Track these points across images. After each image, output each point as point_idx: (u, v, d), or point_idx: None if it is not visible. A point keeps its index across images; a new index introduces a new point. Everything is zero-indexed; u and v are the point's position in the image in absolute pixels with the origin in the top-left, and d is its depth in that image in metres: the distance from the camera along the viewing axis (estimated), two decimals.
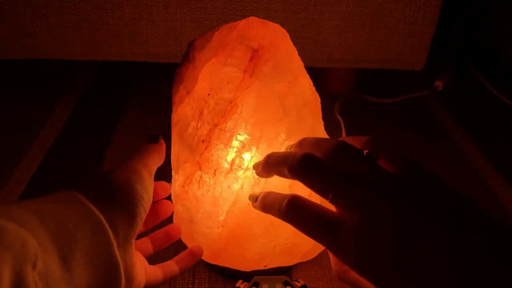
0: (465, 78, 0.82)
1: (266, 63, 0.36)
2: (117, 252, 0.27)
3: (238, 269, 0.39)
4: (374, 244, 0.24)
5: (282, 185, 0.36)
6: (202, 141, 0.36)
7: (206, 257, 0.39)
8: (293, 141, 0.36)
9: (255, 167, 0.33)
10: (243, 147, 0.35)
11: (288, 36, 0.38)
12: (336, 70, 0.81)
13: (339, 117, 0.66)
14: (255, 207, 0.31)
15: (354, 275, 0.28)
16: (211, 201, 0.36)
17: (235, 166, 0.35)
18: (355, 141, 0.29)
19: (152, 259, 0.35)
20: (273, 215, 0.29)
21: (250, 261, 0.38)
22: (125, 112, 0.68)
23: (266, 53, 0.36)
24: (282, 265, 0.39)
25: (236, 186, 0.36)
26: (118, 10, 0.72)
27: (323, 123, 0.39)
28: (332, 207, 0.27)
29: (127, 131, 0.63)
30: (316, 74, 0.42)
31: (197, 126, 0.37)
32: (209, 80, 0.37)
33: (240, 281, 0.37)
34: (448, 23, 0.84)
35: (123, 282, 0.27)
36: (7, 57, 0.77)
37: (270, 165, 0.30)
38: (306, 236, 0.39)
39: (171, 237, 0.38)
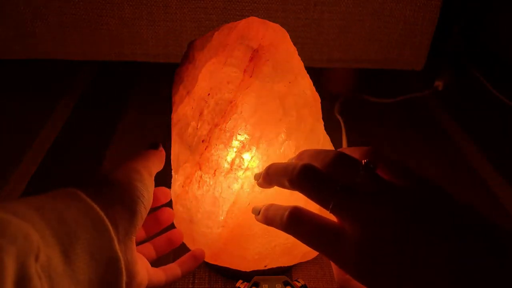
0: (465, 78, 0.82)
1: (266, 63, 0.36)
2: (117, 247, 0.27)
3: (238, 269, 0.39)
4: (374, 254, 0.24)
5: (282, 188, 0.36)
6: (202, 141, 0.36)
7: (206, 257, 0.39)
8: (293, 141, 0.36)
9: (256, 178, 0.33)
10: (243, 147, 0.35)
11: (288, 36, 0.38)
12: (336, 70, 0.81)
13: (339, 117, 0.66)
14: (258, 220, 0.31)
15: (356, 284, 0.28)
16: (211, 201, 0.36)
17: (235, 166, 0.35)
18: (354, 152, 0.29)
19: (153, 262, 0.36)
20: (276, 227, 0.29)
21: (250, 261, 0.38)
22: (125, 112, 0.68)
23: (266, 53, 0.36)
24: (282, 265, 0.39)
25: (236, 186, 0.36)
26: (118, 10, 0.72)
27: (323, 123, 0.39)
28: (333, 217, 0.27)
29: (127, 131, 0.63)
30: (316, 74, 0.42)
31: (197, 126, 0.37)
32: (209, 80, 0.37)
33: (240, 281, 0.37)
34: (448, 23, 0.84)
35: (124, 277, 0.28)
36: (7, 57, 0.76)
37: (271, 176, 0.31)
38: None
39: (174, 242, 0.38)
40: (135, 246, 0.30)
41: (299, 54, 0.38)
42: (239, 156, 0.35)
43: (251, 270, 0.39)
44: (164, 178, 0.43)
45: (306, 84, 0.38)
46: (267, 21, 0.37)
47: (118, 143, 0.60)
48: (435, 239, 0.23)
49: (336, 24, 0.74)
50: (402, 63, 0.80)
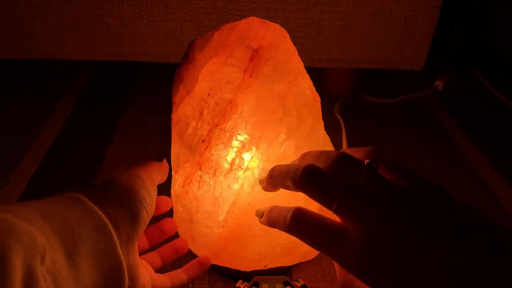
0: (465, 78, 0.82)
1: (266, 63, 0.36)
2: (120, 251, 0.27)
3: (238, 269, 0.39)
4: (376, 254, 0.24)
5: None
6: (202, 141, 0.36)
7: None
8: (293, 141, 0.36)
9: (261, 182, 0.33)
10: (243, 147, 0.35)
11: (288, 36, 0.38)
12: (336, 70, 0.81)
13: (339, 117, 0.66)
14: (261, 223, 0.31)
15: (358, 283, 0.28)
16: (211, 201, 0.36)
17: (235, 166, 0.35)
18: (356, 152, 0.29)
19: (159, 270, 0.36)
20: (279, 229, 0.29)
21: (250, 261, 0.38)
22: (125, 112, 0.68)
23: (266, 53, 0.36)
24: (282, 265, 0.39)
25: (236, 186, 0.36)
26: (118, 10, 0.72)
27: (323, 123, 0.39)
28: (335, 217, 0.27)
29: (127, 131, 0.63)
30: (316, 74, 0.42)
31: (197, 126, 0.37)
32: (209, 80, 0.37)
33: (240, 281, 0.37)
34: (448, 23, 0.84)
35: (126, 280, 0.28)
36: (7, 57, 0.76)
37: (274, 178, 0.31)
38: None
39: (179, 251, 0.38)
40: (137, 250, 0.30)
41: (299, 54, 0.38)
42: (239, 156, 0.35)
43: (251, 270, 0.39)
44: None
45: (306, 84, 0.38)
46: (267, 21, 0.37)
47: (118, 143, 0.60)
48: (435, 239, 0.23)
49: (336, 24, 0.74)
50: (402, 63, 0.80)
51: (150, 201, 0.32)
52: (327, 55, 0.78)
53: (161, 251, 0.38)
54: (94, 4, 0.71)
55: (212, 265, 0.39)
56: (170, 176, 0.40)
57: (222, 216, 0.36)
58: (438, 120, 0.69)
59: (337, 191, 0.26)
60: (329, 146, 0.39)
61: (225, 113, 0.35)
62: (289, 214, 0.28)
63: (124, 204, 0.30)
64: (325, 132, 0.39)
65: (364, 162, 0.27)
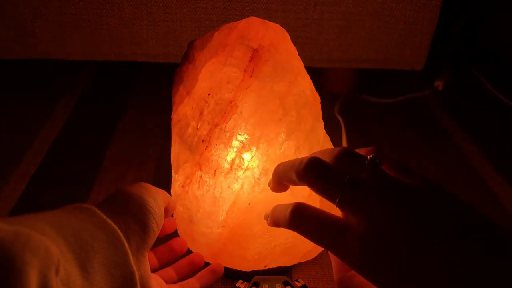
0: (465, 78, 0.82)
1: (266, 63, 0.36)
2: (132, 262, 0.28)
3: (238, 269, 0.39)
4: (377, 249, 0.24)
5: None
6: (202, 141, 0.36)
7: (206, 257, 0.39)
8: (293, 141, 0.36)
9: (269, 184, 0.33)
10: (243, 147, 0.35)
11: (288, 36, 0.38)
12: (336, 70, 0.81)
13: (339, 117, 0.66)
14: (268, 225, 0.31)
15: (355, 282, 0.28)
16: (211, 201, 0.36)
17: (235, 166, 0.35)
18: (359, 151, 0.29)
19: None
20: (282, 226, 0.29)
21: (250, 261, 0.38)
22: (125, 112, 0.68)
23: (266, 53, 0.36)
24: (282, 265, 0.39)
25: (236, 186, 0.36)
26: (118, 10, 0.72)
27: (323, 123, 0.39)
28: (337, 212, 0.27)
29: (127, 131, 0.63)
30: (316, 74, 0.42)
31: (197, 126, 0.37)
32: (209, 80, 0.37)
33: (240, 281, 0.37)
34: (448, 23, 0.84)
35: None
36: (7, 57, 0.77)
37: (279, 174, 0.31)
38: None
39: (195, 264, 0.38)
40: (147, 261, 0.30)
41: (299, 54, 0.38)
42: (239, 156, 0.35)
43: (251, 270, 0.39)
44: (164, 178, 0.43)
45: (306, 84, 0.38)
46: (267, 21, 0.37)
47: (118, 143, 0.60)
48: (435, 239, 0.23)
49: (336, 24, 0.74)
50: (402, 63, 0.80)
51: (159, 212, 0.32)
52: (327, 55, 0.78)
53: (177, 267, 0.37)
54: (94, 4, 0.71)
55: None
56: (170, 176, 0.40)
57: (222, 216, 0.36)
58: (438, 120, 0.69)
59: (341, 184, 0.26)
60: (329, 146, 0.39)
61: (225, 113, 0.35)
62: (289, 209, 0.27)
63: (133, 215, 0.30)
64: (325, 132, 0.39)
65: (368, 158, 0.27)
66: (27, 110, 0.67)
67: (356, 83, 0.80)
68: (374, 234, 0.24)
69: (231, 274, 0.41)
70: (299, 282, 0.37)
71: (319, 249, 0.42)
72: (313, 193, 0.37)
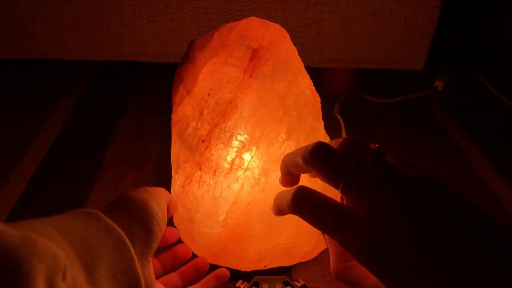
0: (465, 78, 0.82)
1: (266, 63, 0.36)
2: (138, 267, 0.28)
3: (238, 269, 0.39)
4: (379, 239, 0.24)
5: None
6: (202, 141, 0.36)
7: (206, 257, 0.39)
8: (293, 141, 0.36)
9: (279, 181, 0.33)
10: (243, 147, 0.35)
11: (288, 36, 0.38)
12: (336, 70, 0.81)
13: (339, 117, 0.66)
14: (275, 215, 0.31)
15: (353, 274, 0.28)
16: (211, 201, 0.36)
17: (235, 166, 0.35)
18: None
19: None
20: (284, 212, 0.28)
21: (250, 261, 0.38)
22: (125, 112, 0.68)
23: (266, 53, 0.36)
24: (282, 265, 0.39)
25: (236, 186, 0.36)
26: (118, 10, 0.72)
27: (323, 123, 0.39)
28: (339, 198, 0.27)
29: (127, 131, 0.63)
30: (316, 74, 0.42)
31: (197, 126, 0.37)
32: (209, 80, 0.37)
33: (240, 281, 0.37)
34: (448, 23, 0.84)
35: None
36: (7, 57, 0.76)
37: (286, 162, 0.30)
38: (306, 236, 0.39)
39: (201, 269, 0.38)
40: (152, 266, 0.30)
41: (299, 54, 0.38)
42: (239, 156, 0.35)
43: (251, 270, 0.39)
44: (164, 178, 0.43)
45: (306, 84, 0.38)
46: (267, 21, 0.37)
47: (118, 143, 0.60)
48: (436, 238, 0.23)
49: (336, 24, 0.74)
50: (402, 63, 0.80)
51: (162, 216, 0.32)
52: (327, 55, 0.78)
53: (182, 273, 0.37)
54: (94, 4, 0.71)
55: (212, 265, 0.39)
56: (170, 176, 0.40)
57: (222, 216, 0.36)
58: (438, 120, 0.69)
59: (346, 170, 0.26)
60: None
61: (225, 113, 0.35)
62: (291, 193, 0.27)
63: (137, 220, 0.30)
64: (325, 132, 0.39)
65: (373, 147, 0.27)
66: (27, 110, 0.67)
67: (356, 83, 0.80)
68: (376, 223, 0.24)
69: (231, 274, 0.41)
70: (299, 282, 0.37)
71: (319, 249, 0.42)
72: None
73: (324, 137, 0.39)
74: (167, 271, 0.38)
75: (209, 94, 0.37)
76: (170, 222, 0.40)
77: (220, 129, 0.35)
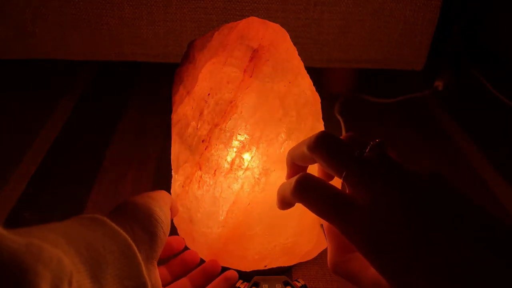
0: (465, 78, 0.82)
1: (266, 63, 0.36)
2: (145, 272, 0.27)
3: (238, 269, 0.39)
4: (380, 231, 0.24)
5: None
6: (202, 141, 0.36)
7: (206, 257, 0.39)
8: (293, 141, 0.36)
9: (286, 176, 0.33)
10: (243, 147, 0.35)
11: (288, 36, 0.38)
12: (336, 70, 0.81)
13: (339, 117, 0.66)
14: (279, 208, 0.31)
15: (350, 267, 0.28)
16: (211, 201, 0.36)
17: (235, 166, 0.35)
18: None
19: None
20: (288, 200, 0.28)
21: (250, 261, 0.38)
22: (125, 112, 0.68)
23: (266, 53, 0.36)
24: (282, 265, 0.39)
25: (236, 186, 0.36)
26: (118, 10, 0.72)
27: (323, 123, 0.39)
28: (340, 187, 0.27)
29: (127, 131, 0.63)
30: (316, 74, 0.42)
31: (197, 126, 0.37)
32: (209, 80, 0.37)
33: (240, 281, 0.37)
34: (448, 23, 0.84)
35: None
36: (7, 57, 0.76)
37: (291, 153, 0.30)
38: (306, 236, 0.39)
39: (211, 273, 0.38)
40: (157, 270, 0.30)
41: (299, 54, 0.38)
42: (239, 156, 0.35)
43: (251, 270, 0.39)
44: (164, 178, 0.43)
45: (306, 84, 0.38)
46: (267, 21, 0.37)
47: (118, 143, 0.60)
48: (436, 239, 0.23)
49: (336, 24, 0.74)
50: (402, 63, 0.80)
51: (166, 220, 0.32)
52: (327, 55, 0.78)
53: (192, 277, 0.37)
54: (94, 4, 0.71)
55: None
56: (170, 176, 0.40)
57: (222, 216, 0.36)
58: (438, 120, 0.69)
59: (350, 158, 0.26)
60: None
61: (225, 113, 0.35)
62: (294, 179, 0.27)
63: (141, 224, 0.30)
64: None
65: (374, 141, 0.27)
66: (27, 110, 0.67)
67: (356, 83, 0.80)
68: (377, 216, 0.24)
69: None
70: (299, 282, 0.37)
71: (319, 249, 0.42)
72: None
73: None
74: (175, 278, 0.37)
75: (209, 94, 0.37)
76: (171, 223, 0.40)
77: (220, 129, 0.35)
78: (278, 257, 0.39)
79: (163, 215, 0.32)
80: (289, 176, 0.32)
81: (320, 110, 0.39)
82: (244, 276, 0.38)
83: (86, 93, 0.73)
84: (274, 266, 0.39)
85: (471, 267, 0.22)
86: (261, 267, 0.39)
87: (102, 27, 0.74)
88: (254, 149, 0.35)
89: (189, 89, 0.39)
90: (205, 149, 0.36)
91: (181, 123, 0.38)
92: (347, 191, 0.26)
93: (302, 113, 0.36)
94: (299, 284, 0.37)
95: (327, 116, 0.40)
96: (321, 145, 0.27)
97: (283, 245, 0.38)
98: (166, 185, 0.40)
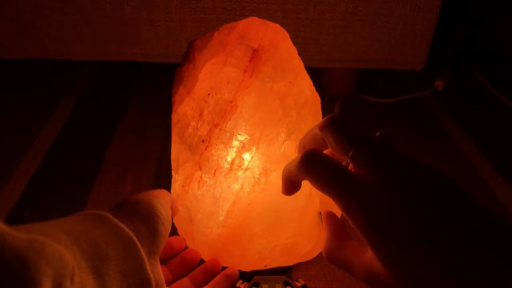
0: (465, 78, 0.82)
1: (266, 63, 0.36)
2: (148, 268, 0.27)
3: (238, 269, 0.39)
4: (384, 209, 0.24)
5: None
6: (202, 141, 0.36)
7: (206, 257, 0.39)
8: (293, 141, 0.36)
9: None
10: (243, 147, 0.35)
11: (288, 36, 0.38)
12: (336, 70, 0.81)
13: None
14: (283, 193, 0.31)
15: (345, 253, 0.28)
16: (211, 201, 0.36)
17: (235, 166, 0.35)
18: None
19: None
20: (293, 177, 0.29)
21: (250, 261, 0.38)
22: (125, 112, 0.68)
23: (266, 53, 0.36)
24: (282, 265, 0.39)
25: (236, 186, 0.36)
26: (118, 10, 0.72)
27: None
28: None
29: (127, 131, 0.63)
30: (316, 74, 0.42)
31: (197, 126, 0.37)
32: (209, 80, 0.37)
33: (240, 281, 0.37)
34: (448, 23, 0.84)
35: None
36: (7, 57, 0.77)
37: (303, 139, 0.31)
38: (306, 236, 0.39)
39: (212, 271, 0.38)
40: (160, 265, 0.31)
41: (299, 54, 0.38)
42: (239, 156, 0.35)
43: (251, 270, 0.39)
44: (164, 178, 0.43)
45: (306, 84, 0.38)
46: (267, 21, 0.37)
47: (118, 143, 0.60)
48: (436, 238, 0.23)
49: (336, 24, 0.74)
50: (402, 63, 0.80)
51: (167, 216, 0.32)
52: (327, 55, 0.78)
53: (193, 276, 0.37)
54: (94, 4, 0.71)
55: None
56: (170, 176, 0.40)
57: (222, 216, 0.36)
58: (438, 120, 0.69)
59: (358, 139, 0.27)
60: None
61: (225, 113, 0.35)
62: (302, 154, 0.27)
63: (143, 220, 0.30)
64: None
65: (380, 133, 0.28)
66: (27, 110, 0.67)
67: (356, 83, 0.80)
68: (382, 195, 0.24)
69: None
70: (299, 282, 0.37)
71: (319, 249, 0.42)
72: (314, 192, 0.37)
73: None
74: (176, 277, 0.37)
75: (209, 94, 0.37)
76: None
77: (220, 129, 0.35)
78: (278, 257, 0.39)
79: (164, 212, 0.32)
80: (285, 188, 0.32)
81: (320, 110, 0.39)
82: (244, 276, 0.38)
83: (86, 93, 0.73)
84: (274, 266, 0.39)
85: (471, 267, 0.22)
86: (261, 267, 0.39)
87: (102, 27, 0.74)
88: (254, 149, 0.35)
89: (189, 89, 0.39)
90: (205, 149, 0.36)
91: (181, 123, 0.38)
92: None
93: (302, 113, 0.36)
94: (299, 284, 0.37)
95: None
96: (332, 124, 0.28)
97: (283, 245, 0.38)
98: (166, 185, 0.40)
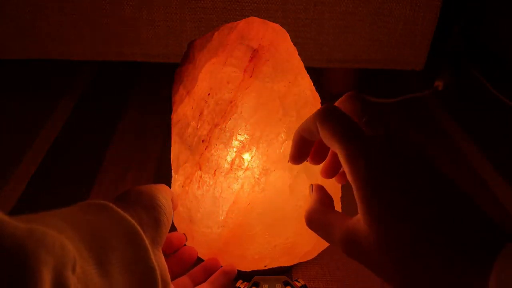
0: (465, 78, 0.82)
1: (266, 63, 0.36)
2: (152, 257, 0.27)
3: (238, 269, 0.39)
4: (384, 168, 0.25)
5: (282, 185, 0.36)
6: (202, 141, 0.36)
7: (205, 257, 0.39)
8: None
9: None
10: (243, 147, 0.35)
11: (288, 36, 0.38)
12: (336, 70, 0.81)
13: None
14: (291, 160, 0.31)
15: (325, 219, 0.28)
16: (211, 201, 0.36)
17: (235, 166, 0.35)
18: None
19: None
20: (307, 132, 0.29)
21: (250, 261, 0.38)
22: (125, 112, 0.68)
23: (266, 53, 0.36)
24: (282, 265, 0.39)
25: (236, 186, 0.36)
26: (118, 10, 0.72)
27: None
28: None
29: (127, 131, 0.63)
30: (316, 74, 0.42)
31: (197, 126, 0.37)
32: (209, 80, 0.37)
33: (240, 281, 0.37)
34: (448, 23, 0.84)
35: (160, 286, 0.28)
36: (7, 57, 0.76)
37: (300, 126, 0.31)
38: (306, 236, 0.39)
39: (211, 270, 0.38)
40: (162, 255, 0.30)
41: (299, 54, 0.38)
42: (239, 156, 0.35)
43: (251, 270, 0.39)
44: (164, 178, 0.43)
45: (306, 84, 0.38)
46: (267, 21, 0.37)
47: (118, 143, 0.60)
48: (435, 239, 0.23)
49: (336, 24, 0.74)
50: (402, 63, 0.80)
51: (169, 208, 0.32)
52: (327, 55, 0.78)
53: (192, 274, 0.37)
54: (94, 4, 0.71)
55: None
56: (170, 176, 0.40)
57: (222, 216, 0.36)
58: (438, 120, 0.69)
59: (372, 109, 0.29)
60: None
61: (225, 113, 0.35)
62: (322, 107, 0.28)
63: (145, 210, 0.30)
64: None
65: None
66: (27, 110, 0.67)
67: (356, 83, 0.80)
68: (386, 154, 0.25)
69: None
70: (299, 282, 0.37)
71: (319, 249, 0.42)
72: None
73: None
74: (174, 275, 0.37)
75: (209, 94, 0.37)
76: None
77: (220, 129, 0.35)
78: (278, 257, 0.39)
79: (166, 202, 0.32)
80: (294, 151, 0.31)
81: None
82: (244, 276, 0.38)
83: (86, 93, 0.73)
84: (274, 266, 0.39)
85: (470, 268, 0.22)
86: (261, 267, 0.39)
87: (102, 27, 0.73)
88: (254, 149, 0.35)
89: (189, 89, 0.39)
90: (205, 149, 0.36)
91: (181, 123, 0.38)
92: None
93: (302, 113, 0.36)
94: (299, 284, 0.37)
95: None
96: (353, 95, 0.30)
97: (283, 245, 0.38)
98: (166, 185, 0.40)
